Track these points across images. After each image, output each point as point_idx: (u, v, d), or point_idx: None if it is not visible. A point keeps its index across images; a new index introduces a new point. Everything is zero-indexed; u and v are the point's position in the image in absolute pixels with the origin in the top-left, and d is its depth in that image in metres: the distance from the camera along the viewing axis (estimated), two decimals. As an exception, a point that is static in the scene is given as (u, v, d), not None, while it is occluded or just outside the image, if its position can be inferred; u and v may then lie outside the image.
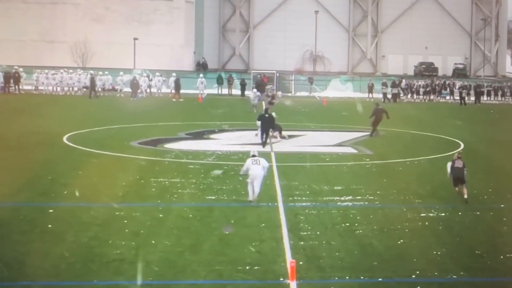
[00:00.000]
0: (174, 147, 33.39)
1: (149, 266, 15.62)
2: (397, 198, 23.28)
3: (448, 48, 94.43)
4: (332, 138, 38.36)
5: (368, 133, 38.66)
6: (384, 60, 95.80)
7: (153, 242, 17.45)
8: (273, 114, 34.83)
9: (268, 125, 33.30)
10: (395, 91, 65.97)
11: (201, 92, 63.95)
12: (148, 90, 65.32)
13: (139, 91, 62.73)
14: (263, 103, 47.73)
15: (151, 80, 65.97)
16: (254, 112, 46.22)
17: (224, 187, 24.01)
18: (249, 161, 22.08)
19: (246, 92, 65.29)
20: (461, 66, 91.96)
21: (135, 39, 75.13)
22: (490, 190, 24.75)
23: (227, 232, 18.44)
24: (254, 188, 21.78)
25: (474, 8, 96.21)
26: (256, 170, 21.73)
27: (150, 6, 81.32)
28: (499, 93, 71.09)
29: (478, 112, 58.43)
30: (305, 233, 18.61)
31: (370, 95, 67.80)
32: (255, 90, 53.13)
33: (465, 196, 22.41)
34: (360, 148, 34.37)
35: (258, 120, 33.70)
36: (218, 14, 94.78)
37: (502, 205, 22.50)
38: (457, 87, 69.51)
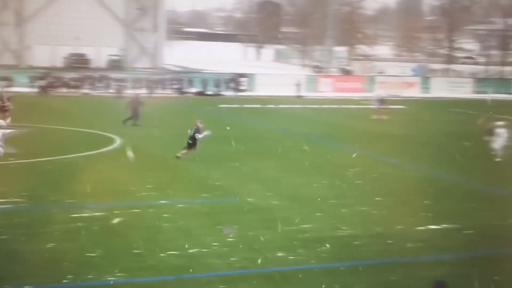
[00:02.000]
0: None
1: None
2: (47, 199, 23.08)
3: (101, 38, 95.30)
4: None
5: (13, 130, 37.84)
6: (30, 51, 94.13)
7: None
8: None
9: None
10: (43, 83, 65.48)
11: None
12: None
13: None
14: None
15: None
16: None
17: None
18: None
19: None
20: (116, 57, 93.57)
21: None
22: (149, 186, 25.49)
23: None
24: None
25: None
26: None
27: None
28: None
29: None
30: None
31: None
32: None
33: None
34: (4, 147, 33.36)
35: None
36: None
37: (162, 201, 23.31)
38: (113, 80, 70.27)
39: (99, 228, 19.94)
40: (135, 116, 42.44)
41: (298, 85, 71.41)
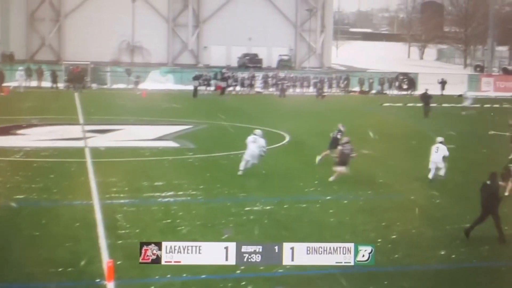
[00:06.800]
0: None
1: None
2: (221, 192, 23.56)
3: (272, 39, 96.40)
4: (152, 132, 38.20)
5: (191, 126, 39.10)
6: (206, 51, 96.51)
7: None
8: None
9: None
10: (223, 84, 66.82)
11: (21, 85, 62.61)
12: None
13: None
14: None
15: None
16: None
17: (33, 186, 23.35)
18: (249, 138, 26.32)
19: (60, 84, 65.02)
20: (286, 57, 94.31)
21: None
22: (316, 182, 25.54)
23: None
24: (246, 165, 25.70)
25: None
26: (252, 148, 25.91)
27: None
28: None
29: (302, 103, 59.65)
30: (123, 231, 18.42)
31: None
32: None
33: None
34: (182, 142, 34.46)
35: None
36: (25, 2, 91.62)
37: (328, 197, 23.27)
38: (279, 80, 70.47)
39: (268, 221, 20.18)
40: None
41: (442, 83, 70.32)
